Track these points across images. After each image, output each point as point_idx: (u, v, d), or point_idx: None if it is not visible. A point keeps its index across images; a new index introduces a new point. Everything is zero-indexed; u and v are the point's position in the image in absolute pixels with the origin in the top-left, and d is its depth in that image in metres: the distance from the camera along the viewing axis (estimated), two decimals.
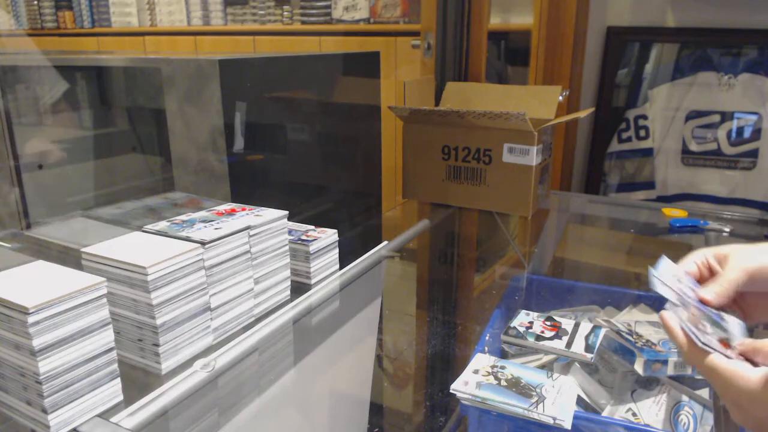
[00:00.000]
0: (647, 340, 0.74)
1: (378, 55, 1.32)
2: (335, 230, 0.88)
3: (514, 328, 0.79)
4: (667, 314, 0.55)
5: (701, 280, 0.64)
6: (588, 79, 1.82)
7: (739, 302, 0.63)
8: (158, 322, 0.61)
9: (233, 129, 0.94)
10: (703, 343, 0.51)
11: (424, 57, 1.46)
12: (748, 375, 0.48)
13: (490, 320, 0.83)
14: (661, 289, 0.61)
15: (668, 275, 0.63)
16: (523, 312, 0.83)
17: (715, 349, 0.51)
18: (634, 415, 0.69)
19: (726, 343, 0.53)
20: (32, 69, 1.13)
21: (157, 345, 0.61)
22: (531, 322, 0.81)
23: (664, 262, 0.65)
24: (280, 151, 1.09)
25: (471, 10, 1.45)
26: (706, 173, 1.69)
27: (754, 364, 0.51)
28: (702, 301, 0.60)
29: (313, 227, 0.89)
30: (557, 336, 0.77)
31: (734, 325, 0.60)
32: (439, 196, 1.30)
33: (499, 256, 1.36)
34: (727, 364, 0.49)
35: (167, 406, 0.59)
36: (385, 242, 1.06)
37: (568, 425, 0.59)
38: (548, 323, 0.80)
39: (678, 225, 1.29)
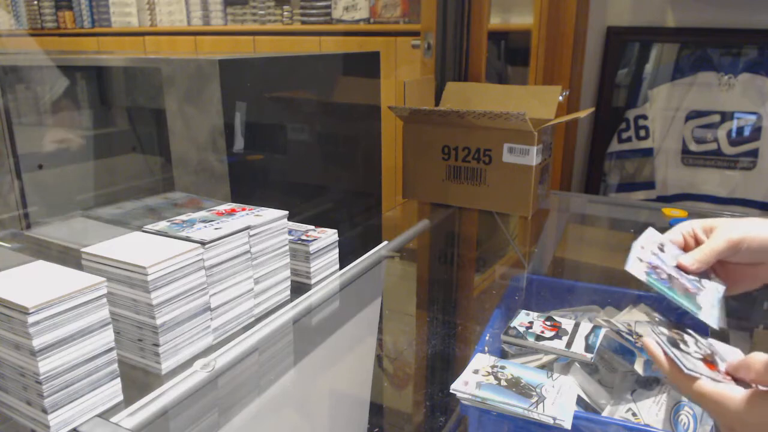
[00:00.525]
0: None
1: (378, 55, 1.32)
2: (335, 230, 0.88)
3: (514, 328, 0.79)
4: (649, 340, 0.55)
5: (687, 250, 0.66)
6: (588, 79, 1.82)
7: (721, 272, 0.65)
8: (158, 322, 0.61)
9: (233, 129, 0.94)
10: (689, 369, 0.50)
11: (424, 57, 1.46)
12: (736, 396, 0.47)
13: (490, 320, 0.83)
14: (632, 266, 0.62)
15: (650, 246, 0.65)
16: (523, 312, 0.83)
17: (701, 374, 0.50)
18: (634, 415, 0.69)
19: (711, 363, 0.53)
20: (32, 69, 1.13)
21: (157, 345, 0.61)
22: (531, 322, 0.80)
23: (649, 233, 0.67)
24: (280, 151, 1.09)
25: (471, 10, 1.45)
26: (706, 173, 1.69)
27: (741, 382, 0.50)
28: (680, 267, 0.63)
29: (313, 227, 0.89)
30: (557, 336, 0.77)
31: (712, 291, 0.62)
32: (439, 196, 1.30)
33: (499, 256, 1.36)
34: (715, 387, 0.49)
35: (167, 406, 0.59)
36: (385, 242, 1.06)
37: (568, 425, 0.59)
38: (548, 323, 0.80)
39: None
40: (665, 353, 0.53)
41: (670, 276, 0.62)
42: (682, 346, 0.55)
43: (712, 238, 0.63)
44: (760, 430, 0.46)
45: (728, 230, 0.62)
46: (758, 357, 0.49)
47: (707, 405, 0.49)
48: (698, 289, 0.62)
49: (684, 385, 0.51)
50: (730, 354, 0.56)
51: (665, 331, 0.57)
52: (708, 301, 0.62)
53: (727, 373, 0.52)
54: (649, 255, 0.65)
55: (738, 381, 0.50)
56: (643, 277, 0.62)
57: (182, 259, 0.62)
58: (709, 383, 0.49)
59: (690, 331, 0.59)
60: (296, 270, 0.84)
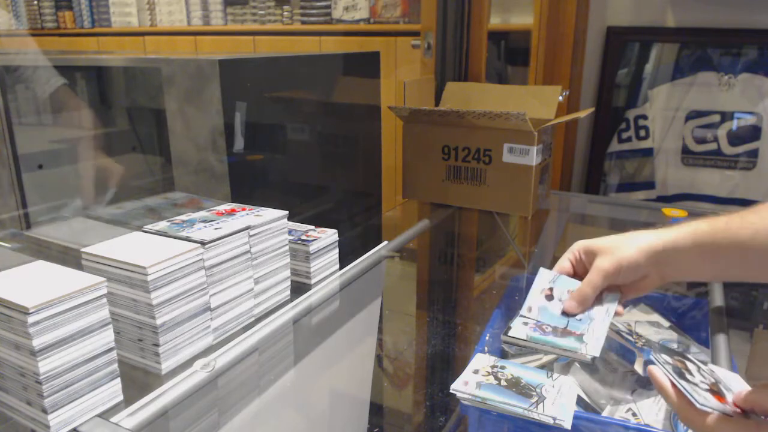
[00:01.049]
0: (647, 340, 0.74)
1: (378, 55, 1.32)
2: (335, 230, 0.88)
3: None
4: (656, 369, 0.54)
5: (577, 273, 0.72)
6: (588, 79, 1.82)
7: (612, 287, 0.70)
8: (158, 322, 0.61)
9: (233, 129, 0.94)
10: (701, 404, 0.49)
11: (424, 57, 1.46)
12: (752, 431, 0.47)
13: (490, 320, 0.83)
14: (515, 331, 0.68)
15: (538, 298, 0.71)
16: None
17: (713, 408, 0.49)
18: (634, 415, 0.69)
19: (718, 394, 0.52)
20: (32, 69, 1.13)
21: (157, 345, 0.61)
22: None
23: (540, 275, 0.73)
24: (280, 151, 1.09)
25: (471, 10, 1.45)
26: (706, 173, 1.69)
27: (750, 413, 0.49)
28: (566, 313, 0.68)
29: (313, 227, 0.89)
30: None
31: (600, 318, 0.67)
32: (439, 196, 1.30)
33: (499, 256, 1.36)
34: (729, 422, 0.47)
35: (167, 406, 0.59)
36: (385, 242, 1.06)
37: (568, 425, 0.59)
38: None
39: None
40: (673, 385, 0.52)
41: (555, 328, 0.67)
42: (688, 376, 0.54)
43: (591, 272, 0.67)
44: None
45: (605, 260, 0.67)
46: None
47: None
48: (586, 326, 0.67)
49: (696, 420, 0.49)
50: (732, 381, 0.55)
51: (669, 359, 0.56)
52: (595, 334, 0.66)
53: (735, 405, 0.50)
54: (536, 313, 0.70)
55: (746, 412, 0.49)
56: (523, 337, 0.68)
57: (182, 259, 0.62)
58: (722, 418, 0.48)
59: (691, 358, 0.58)
60: (296, 270, 0.84)
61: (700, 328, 0.84)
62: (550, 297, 0.70)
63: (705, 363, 0.58)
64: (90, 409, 0.55)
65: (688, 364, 0.57)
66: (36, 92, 1.13)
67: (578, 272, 0.72)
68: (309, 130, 1.16)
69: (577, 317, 0.68)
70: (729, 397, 0.51)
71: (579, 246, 0.71)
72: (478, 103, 1.37)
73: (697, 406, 0.49)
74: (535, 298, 0.72)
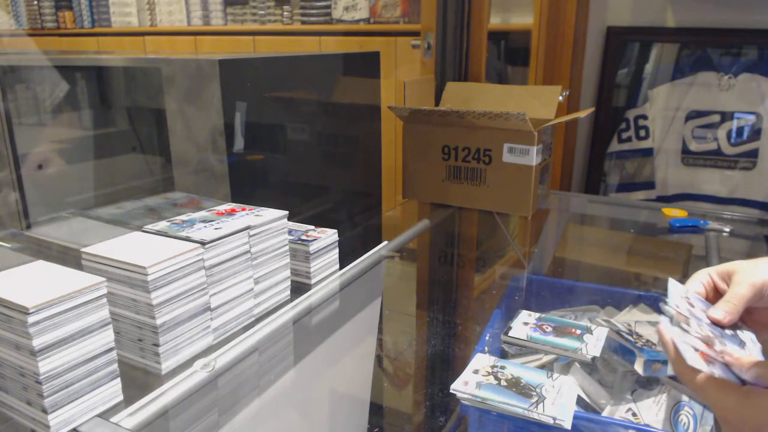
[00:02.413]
0: (647, 340, 0.74)
1: (378, 55, 1.32)
2: (335, 230, 0.88)
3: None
4: (665, 327, 0.53)
5: (708, 300, 0.61)
6: (588, 79, 1.82)
7: (746, 319, 0.60)
8: (158, 322, 0.61)
9: (233, 129, 0.94)
10: (692, 360, 0.50)
11: (424, 57, 1.46)
12: (735, 392, 0.48)
13: (490, 320, 0.83)
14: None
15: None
16: (524, 312, 0.83)
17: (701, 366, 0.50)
18: (634, 415, 0.69)
19: (706, 350, 0.53)
20: (32, 69, 1.13)
21: (157, 345, 0.62)
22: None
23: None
24: (280, 151, 1.09)
25: (471, 10, 1.45)
26: (706, 173, 1.69)
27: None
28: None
29: (313, 227, 0.89)
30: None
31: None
32: (439, 196, 1.30)
33: (499, 256, 1.36)
34: (716, 382, 0.49)
35: (167, 406, 0.59)
36: (385, 242, 1.06)
37: (568, 425, 0.59)
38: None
39: (678, 225, 1.29)
40: (673, 343, 0.52)
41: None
42: (683, 325, 0.54)
43: (735, 285, 0.58)
44: (758, 421, 0.46)
45: (750, 274, 0.58)
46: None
47: (707, 397, 0.50)
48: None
49: (687, 376, 0.51)
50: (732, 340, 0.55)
51: (671, 310, 0.56)
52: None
53: (726, 363, 0.51)
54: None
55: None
56: (523, 337, 0.68)
57: (182, 259, 0.62)
58: (711, 377, 0.49)
59: (696, 314, 0.57)
60: (296, 270, 0.84)
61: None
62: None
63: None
64: (90, 409, 0.55)
65: (691, 320, 0.55)
66: (39, 94, 1.13)
67: (710, 298, 0.62)
68: (309, 130, 1.16)
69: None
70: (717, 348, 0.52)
71: (709, 269, 0.62)
72: (478, 103, 1.37)
73: (689, 363, 0.50)
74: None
